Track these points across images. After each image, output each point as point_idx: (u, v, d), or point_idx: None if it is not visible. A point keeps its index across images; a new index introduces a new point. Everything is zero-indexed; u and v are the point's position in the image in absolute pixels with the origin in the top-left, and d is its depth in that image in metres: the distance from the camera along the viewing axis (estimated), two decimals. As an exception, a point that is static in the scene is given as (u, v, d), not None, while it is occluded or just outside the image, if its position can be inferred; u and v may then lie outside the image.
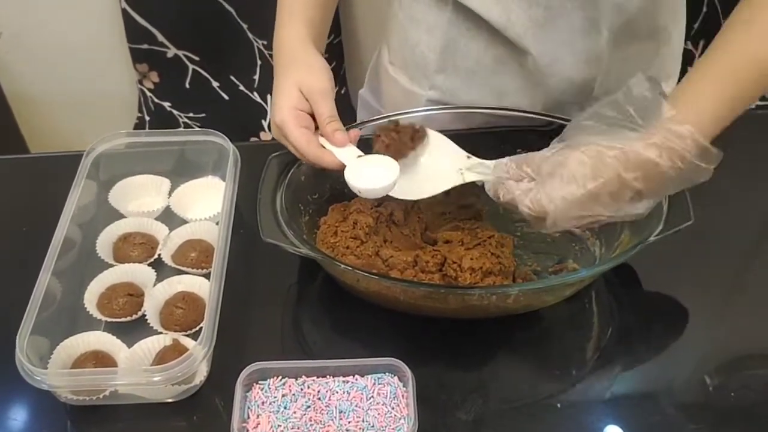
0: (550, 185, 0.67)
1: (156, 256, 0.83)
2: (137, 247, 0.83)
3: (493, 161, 0.74)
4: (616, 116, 0.68)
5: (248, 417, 0.67)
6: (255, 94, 1.67)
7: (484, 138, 0.91)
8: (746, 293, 0.82)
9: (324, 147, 0.77)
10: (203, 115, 1.72)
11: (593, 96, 0.95)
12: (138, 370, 0.70)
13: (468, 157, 0.77)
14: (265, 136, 1.72)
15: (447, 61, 0.94)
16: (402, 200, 0.79)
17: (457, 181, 0.75)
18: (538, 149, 0.86)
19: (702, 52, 1.61)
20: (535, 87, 0.93)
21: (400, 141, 0.77)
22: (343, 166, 0.75)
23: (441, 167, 0.77)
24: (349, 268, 0.71)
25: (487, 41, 0.91)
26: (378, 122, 0.84)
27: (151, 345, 0.73)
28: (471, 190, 0.81)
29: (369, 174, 0.74)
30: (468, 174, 0.75)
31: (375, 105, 1.08)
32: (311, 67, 0.79)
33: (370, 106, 1.09)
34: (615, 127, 0.67)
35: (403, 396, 0.68)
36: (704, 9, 1.55)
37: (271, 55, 1.59)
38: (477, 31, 0.90)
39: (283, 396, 0.68)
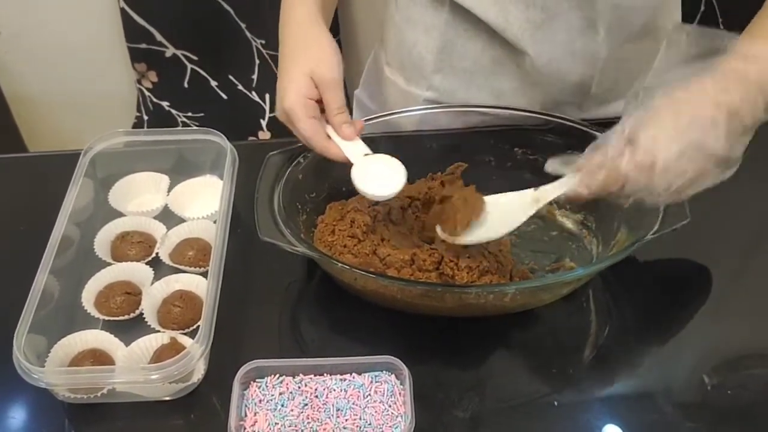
0: (648, 129, 0.61)
1: (154, 255, 0.83)
2: (135, 245, 0.83)
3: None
4: (678, 69, 0.65)
5: (245, 415, 0.67)
6: (253, 93, 1.67)
7: (482, 137, 0.91)
8: (744, 293, 0.82)
9: (330, 137, 0.77)
10: (202, 114, 1.72)
11: (591, 95, 0.95)
12: (135, 368, 0.70)
13: (534, 190, 0.72)
14: (263, 135, 1.72)
15: (444, 61, 0.94)
16: (399, 198, 0.80)
17: (532, 207, 0.72)
18: (536, 148, 0.87)
19: (700, 52, 1.62)
20: (532, 87, 0.93)
21: (474, 196, 0.74)
22: (348, 160, 0.75)
23: (510, 205, 0.73)
24: (347, 266, 0.71)
25: (484, 42, 0.91)
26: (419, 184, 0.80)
27: (148, 343, 0.73)
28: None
29: (376, 176, 0.75)
30: (543, 194, 0.71)
31: (370, 105, 1.08)
32: (323, 51, 0.78)
33: (365, 107, 1.09)
34: (682, 74, 0.64)
35: (400, 394, 0.68)
36: (702, 8, 1.55)
37: (269, 55, 1.60)
38: (474, 31, 0.90)
39: (280, 394, 0.68)
